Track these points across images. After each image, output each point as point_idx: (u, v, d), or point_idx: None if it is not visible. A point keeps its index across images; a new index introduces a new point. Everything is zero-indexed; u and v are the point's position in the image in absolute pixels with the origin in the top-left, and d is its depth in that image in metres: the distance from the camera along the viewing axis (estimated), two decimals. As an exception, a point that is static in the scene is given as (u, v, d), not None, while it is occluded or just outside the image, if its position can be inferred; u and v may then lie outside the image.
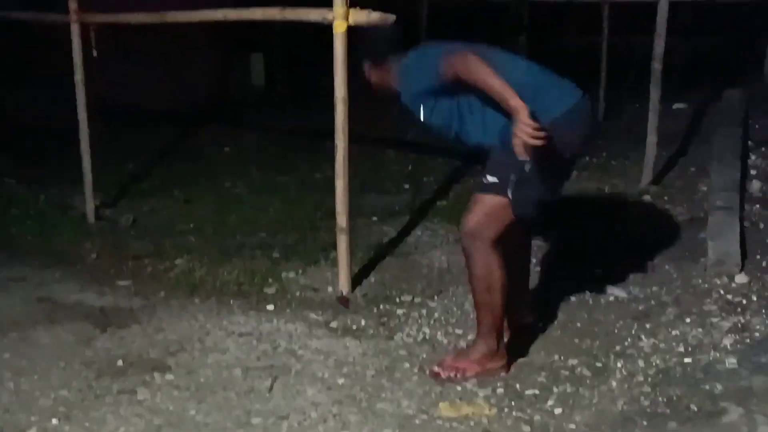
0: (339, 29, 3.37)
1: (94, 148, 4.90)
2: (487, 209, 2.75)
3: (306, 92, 8.28)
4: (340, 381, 2.92)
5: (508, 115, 2.60)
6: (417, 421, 2.64)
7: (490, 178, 2.75)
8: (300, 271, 4.02)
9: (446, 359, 2.93)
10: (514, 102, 2.53)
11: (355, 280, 3.80)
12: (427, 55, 2.85)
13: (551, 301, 3.56)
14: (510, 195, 2.70)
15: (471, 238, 2.76)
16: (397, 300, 3.66)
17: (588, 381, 2.88)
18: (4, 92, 7.37)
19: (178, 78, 8.22)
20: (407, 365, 3.03)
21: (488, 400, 2.75)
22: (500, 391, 2.82)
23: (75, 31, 4.61)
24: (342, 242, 3.69)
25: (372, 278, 3.93)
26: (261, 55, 9.86)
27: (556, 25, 9.67)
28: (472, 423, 2.61)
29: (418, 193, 5.41)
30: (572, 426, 2.59)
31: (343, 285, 3.72)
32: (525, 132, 2.50)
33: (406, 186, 5.67)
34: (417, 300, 3.66)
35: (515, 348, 3.07)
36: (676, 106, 7.53)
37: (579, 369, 2.97)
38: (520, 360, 3.05)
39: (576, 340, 3.21)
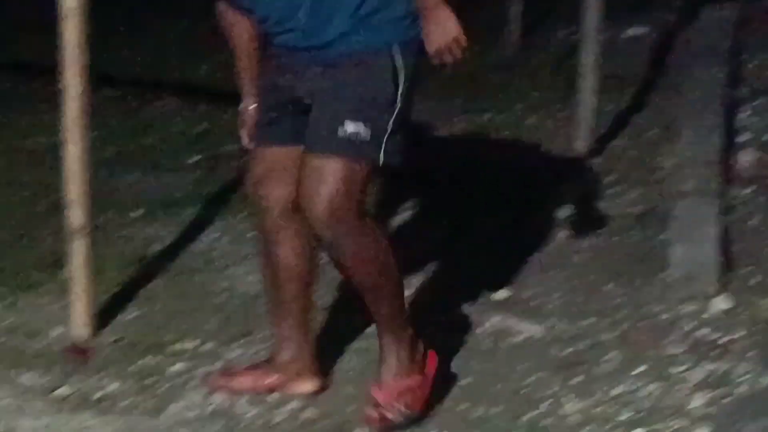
0: None
1: None
2: (347, 175, 2.85)
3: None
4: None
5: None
6: None
7: (353, 127, 2.84)
8: (5, 303, 3.93)
9: (379, 396, 3.02)
10: None
11: (102, 317, 3.77)
12: None
13: (426, 341, 3.50)
14: (382, 157, 2.89)
15: (333, 222, 2.84)
16: (173, 348, 3.62)
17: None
18: None
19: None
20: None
21: None
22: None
23: None
24: (78, 253, 3.62)
25: (130, 313, 3.89)
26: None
27: None
28: None
29: (214, 171, 5.44)
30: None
31: (80, 325, 3.65)
32: (450, 37, 2.74)
33: (194, 158, 5.65)
34: (207, 347, 3.64)
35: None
36: (630, 31, 7.68)
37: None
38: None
39: (465, 406, 3.18)
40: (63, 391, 3.30)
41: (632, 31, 7.61)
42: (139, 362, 3.50)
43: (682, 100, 5.92)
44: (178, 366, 3.46)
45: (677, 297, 3.83)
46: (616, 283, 4.03)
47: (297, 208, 3.06)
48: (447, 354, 3.50)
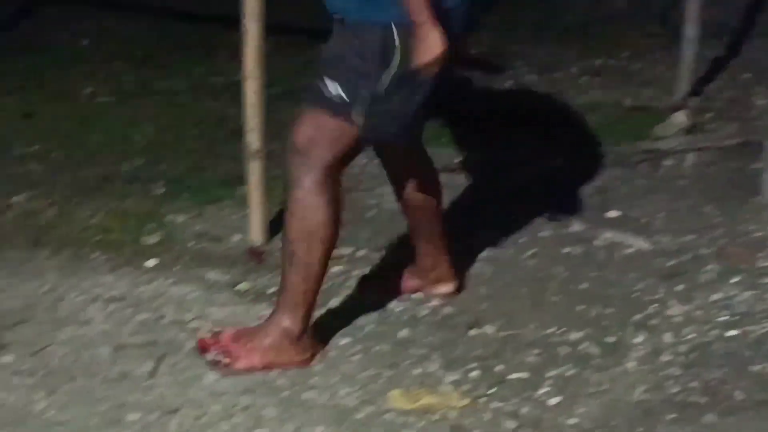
0: None
1: None
2: (322, 123, 2.81)
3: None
4: (253, 362, 2.98)
5: None
6: (359, 416, 2.71)
7: (330, 88, 2.80)
8: (193, 214, 4.06)
9: (225, 333, 3.01)
10: (421, 11, 2.61)
11: (274, 226, 3.79)
12: None
13: (544, 253, 3.68)
14: (357, 118, 2.78)
15: (299, 156, 2.82)
16: (333, 252, 3.52)
17: (596, 361, 2.98)
18: None
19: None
20: (347, 340, 3.10)
21: (457, 387, 2.85)
22: (474, 374, 2.92)
23: None
24: (255, 172, 3.74)
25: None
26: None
27: None
28: (434, 417, 2.70)
29: None
30: (573, 421, 2.68)
31: (256, 232, 3.78)
32: (434, 54, 2.65)
33: None
34: (360, 253, 3.73)
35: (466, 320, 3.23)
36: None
37: (584, 345, 3.07)
38: (501, 334, 3.14)
39: (580, 308, 3.30)
40: (243, 286, 3.46)
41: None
42: None
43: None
44: (337, 268, 3.53)
45: (769, 217, 3.85)
46: (715, 205, 4.05)
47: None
48: (567, 262, 3.62)
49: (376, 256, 3.73)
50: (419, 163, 3.25)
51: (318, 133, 2.80)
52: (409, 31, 2.67)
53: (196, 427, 2.68)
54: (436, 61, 2.66)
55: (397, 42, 2.72)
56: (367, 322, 3.24)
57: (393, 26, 2.72)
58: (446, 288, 3.41)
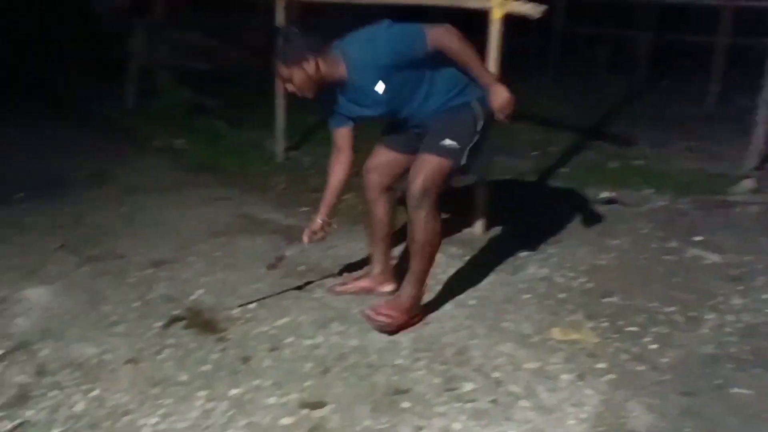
0: (496, 15, 3.41)
1: (288, 99, 4.96)
2: (437, 170, 2.57)
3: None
4: (472, 302, 3.02)
5: (453, 83, 2.61)
6: (533, 340, 2.72)
7: (450, 143, 2.59)
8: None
9: (380, 305, 2.72)
10: (489, 75, 2.58)
11: (488, 224, 3.81)
12: (404, 27, 2.53)
13: (652, 257, 3.54)
14: (463, 161, 2.62)
15: (421, 197, 2.56)
16: (521, 244, 3.62)
17: (682, 326, 2.86)
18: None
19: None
20: (528, 296, 3.10)
21: (594, 331, 2.80)
22: (605, 324, 2.85)
23: (280, 6, 4.80)
24: (480, 194, 3.77)
25: (501, 225, 3.87)
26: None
27: (679, 24, 9.19)
28: (578, 347, 2.67)
29: (544, 160, 5.30)
30: (665, 360, 2.60)
31: (478, 225, 3.78)
32: (508, 101, 2.53)
33: (534, 153, 5.60)
34: (538, 246, 3.66)
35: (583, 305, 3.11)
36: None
37: (674, 316, 2.94)
38: (623, 302, 3.05)
39: (674, 293, 3.16)
40: (468, 257, 3.46)
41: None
42: (506, 249, 3.53)
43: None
44: (524, 253, 3.46)
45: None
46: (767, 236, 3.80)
47: (387, 189, 2.89)
48: (666, 264, 3.44)
49: (548, 249, 3.61)
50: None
51: (434, 179, 2.57)
52: (483, 102, 2.61)
53: (439, 332, 2.74)
54: (509, 104, 2.53)
55: (479, 110, 2.64)
56: (538, 286, 3.20)
57: (476, 101, 2.64)
58: (389, 288, 3.02)
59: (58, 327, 2.78)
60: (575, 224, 3.94)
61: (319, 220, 2.82)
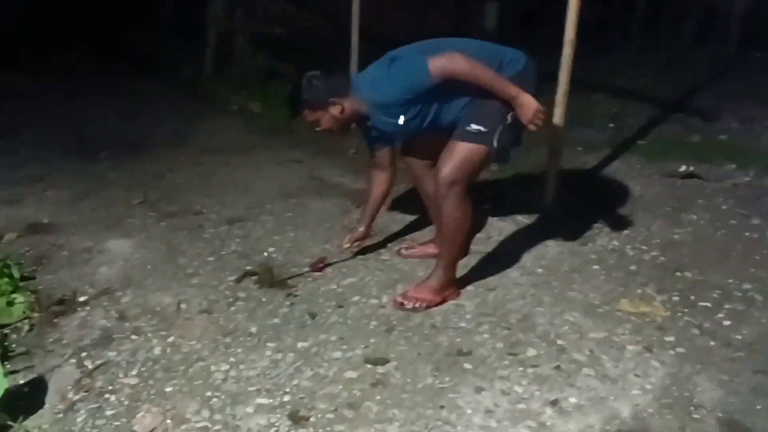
0: (576, -21, 3.32)
1: (361, 66, 4.96)
2: (467, 157, 2.52)
3: (532, 35, 8.10)
4: (539, 270, 3.00)
5: (471, 91, 2.51)
6: (600, 311, 2.69)
7: (476, 127, 2.53)
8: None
9: (409, 291, 2.71)
10: (510, 89, 2.46)
11: (559, 194, 3.73)
12: (404, 64, 2.53)
13: (731, 233, 3.41)
14: (495, 144, 2.53)
15: (450, 184, 2.52)
16: (592, 216, 3.58)
17: (758, 304, 2.76)
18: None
19: (426, 17, 8.63)
20: (596, 267, 3.05)
21: (664, 304, 2.74)
22: (676, 298, 2.79)
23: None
24: (552, 163, 3.69)
25: (572, 195, 3.80)
26: (495, 4, 9.83)
27: None
28: (647, 319, 2.62)
29: (621, 132, 5.14)
30: (738, 337, 2.52)
31: (549, 195, 3.71)
32: (536, 111, 2.46)
33: (611, 125, 5.44)
34: (609, 218, 3.58)
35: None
36: None
37: (751, 293, 2.84)
38: (697, 278, 2.96)
39: (751, 270, 3.04)
40: (537, 227, 3.45)
41: None
42: (575, 220, 3.47)
43: None
44: (594, 225, 3.42)
45: None
46: None
47: (430, 166, 2.80)
48: (746, 241, 3.31)
49: (618, 220, 3.53)
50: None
51: (462, 166, 2.52)
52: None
53: (504, 299, 2.75)
54: (538, 113, 2.46)
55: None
56: (608, 258, 3.14)
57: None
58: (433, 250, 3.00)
59: (138, 276, 2.94)
60: (650, 197, 3.85)
61: (362, 229, 2.99)
